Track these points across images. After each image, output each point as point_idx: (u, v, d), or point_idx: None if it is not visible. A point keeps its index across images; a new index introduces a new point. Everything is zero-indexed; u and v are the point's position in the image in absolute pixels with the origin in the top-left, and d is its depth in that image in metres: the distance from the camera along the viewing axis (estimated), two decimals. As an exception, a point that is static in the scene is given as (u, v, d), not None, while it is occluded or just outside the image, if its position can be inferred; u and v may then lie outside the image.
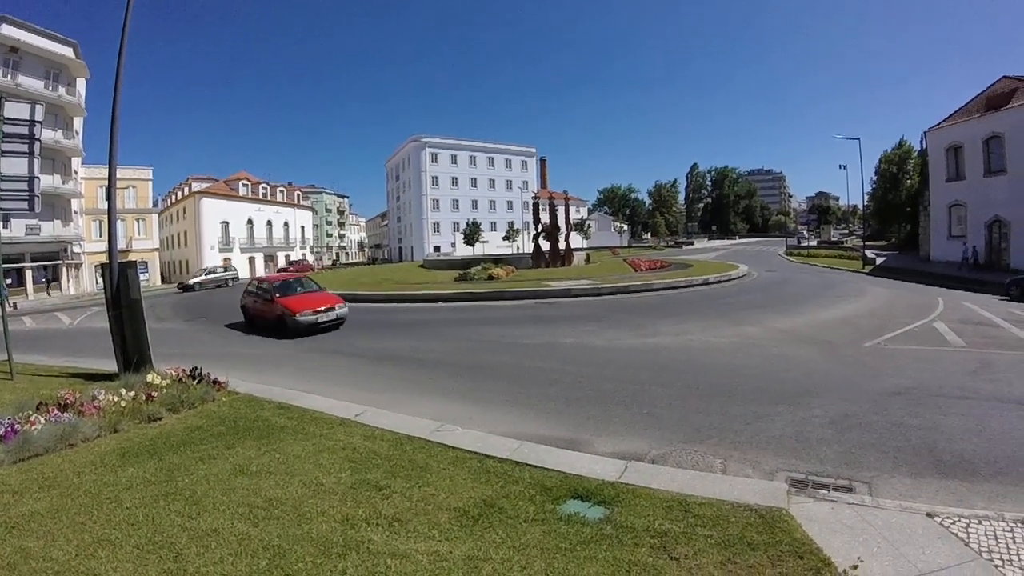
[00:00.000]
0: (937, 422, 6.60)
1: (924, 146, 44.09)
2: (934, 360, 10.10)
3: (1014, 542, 3.75)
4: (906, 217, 64.71)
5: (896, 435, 6.20)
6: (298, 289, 17.47)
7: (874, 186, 74.82)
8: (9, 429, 5.80)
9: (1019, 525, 3.98)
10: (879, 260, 41.17)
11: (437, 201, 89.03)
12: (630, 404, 7.70)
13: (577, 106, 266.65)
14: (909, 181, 66.28)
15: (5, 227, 26.78)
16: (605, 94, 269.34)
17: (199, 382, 8.17)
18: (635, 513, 4.23)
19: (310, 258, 77.90)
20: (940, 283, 24.45)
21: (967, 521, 4.03)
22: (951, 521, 4.04)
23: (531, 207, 44.86)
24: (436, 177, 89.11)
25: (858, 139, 54.98)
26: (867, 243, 53.51)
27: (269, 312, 16.46)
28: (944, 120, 37.05)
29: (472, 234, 76.92)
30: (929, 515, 4.14)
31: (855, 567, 3.47)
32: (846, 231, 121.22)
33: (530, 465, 5.24)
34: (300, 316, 15.27)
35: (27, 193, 10.14)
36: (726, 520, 4.08)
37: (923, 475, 5.20)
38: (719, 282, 25.65)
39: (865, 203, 67.37)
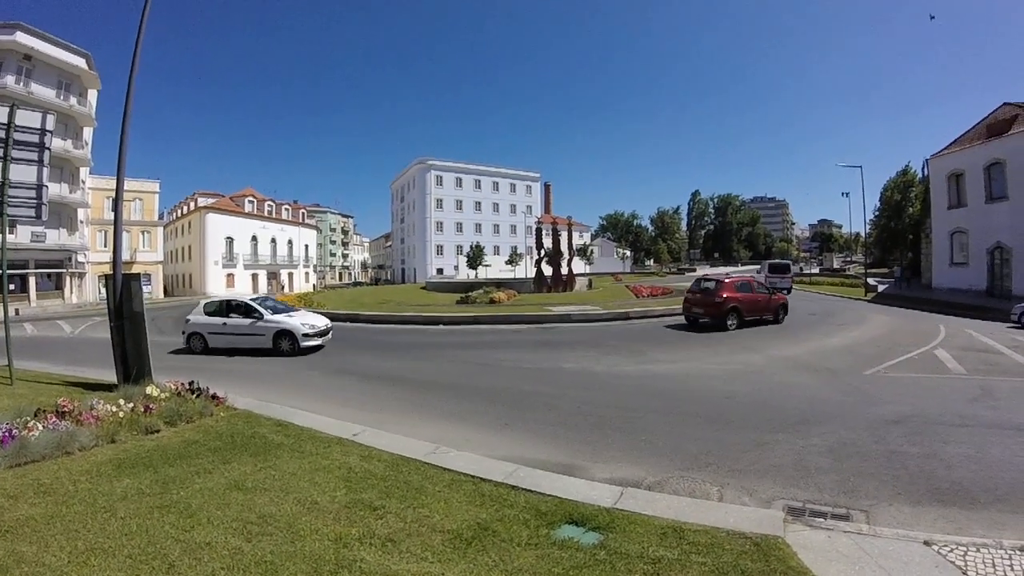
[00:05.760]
0: (936, 450, 6.58)
1: (926, 173, 44.20)
2: (934, 388, 10.08)
3: (1012, 570, 3.74)
4: (908, 245, 64.67)
5: (895, 463, 6.18)
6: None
7: (877, 214, 74.88)
8: (7, 434, 5.82)
9: (1017, 553, 3.96)
10: (881, 288, 41.07)
11: (441, 223, 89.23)
12: (628, 430, 7.68)
13: (583, 134, 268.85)
14: (912, 208, 66.31)
15: (11, 233, 26.99)
16: (611, 123, 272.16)
17: (198, 396, 8.17)
18: (629, 539, 4.20)
19: (313, 277, 77.50)
20: (942, 310, 24.39)
21: (964, 549, 4.02)
22: (949, 549, 4.02)
23: (534, 232, 45.01)
24: (440, 200, 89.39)
25: (860, 167, 55.01)
26: (869, 271, 53.46)
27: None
28: (946, 147, 37.08)
29: (475, 257, 77.15)
30: (927, 543, 4.12)
31: (849, 598, 3.44)
32: (848, 259, 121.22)
33: (526, 489, 5.21)
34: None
35: (35, 201, 10.25)
36: (720, 547, 4.06)
37: (921, 503, 5.17)
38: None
39: (867, 231, 67.26)
